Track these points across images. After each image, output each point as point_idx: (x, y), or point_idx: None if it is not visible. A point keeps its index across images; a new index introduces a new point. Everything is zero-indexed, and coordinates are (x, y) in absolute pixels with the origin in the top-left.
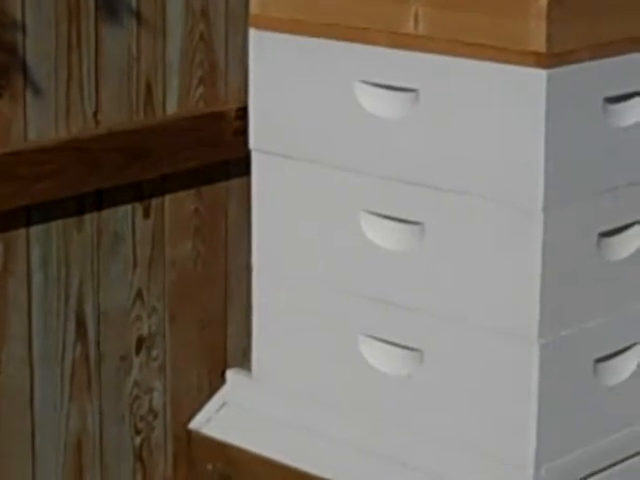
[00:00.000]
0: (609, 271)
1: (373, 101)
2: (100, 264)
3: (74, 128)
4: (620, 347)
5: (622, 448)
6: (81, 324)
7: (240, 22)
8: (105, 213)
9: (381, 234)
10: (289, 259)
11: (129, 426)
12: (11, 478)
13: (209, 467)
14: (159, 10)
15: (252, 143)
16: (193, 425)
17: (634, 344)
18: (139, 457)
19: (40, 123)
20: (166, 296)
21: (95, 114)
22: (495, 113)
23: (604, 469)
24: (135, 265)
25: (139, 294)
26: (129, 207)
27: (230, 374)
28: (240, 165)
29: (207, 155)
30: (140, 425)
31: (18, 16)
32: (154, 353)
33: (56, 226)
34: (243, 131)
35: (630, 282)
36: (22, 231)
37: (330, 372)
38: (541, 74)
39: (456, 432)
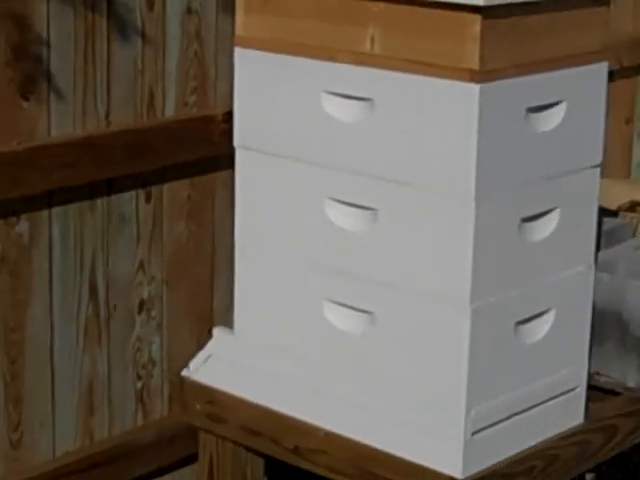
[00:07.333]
0: (529, 250)
1: (336, 108)
2: (109, 240)
3: (89, 127)
4: (537, 312)
5: (537, 395)
6: (93, 289)
7: (227, 42)
8: (114, 198)
9: (342, 217)
10: (266, 237)
11: (132, 373)
12: (35, 414)
13: (198, 407)
14: (160, 31)
15: (236, 141)
16: (185, 372)
17: (548, 309)
18: (140, 398)
19: (61, 122)
20: (164, 266)
21: (106, 116)
22: (436, 120)
23: (522, 412)
24: (138, 241)
25: (141, 265)
26: (134, 193)
27: (216, 331)
28: (226, 160)
29: (199, 151)
30: (141, 372)
31: (44, 33)
32: (153, 313)
33: (73, 208)
34: (229, 131)
35: (546, 259)
36: (45, 212)
37: (299, 330)
38: (474, 88)
39: (401, 380)
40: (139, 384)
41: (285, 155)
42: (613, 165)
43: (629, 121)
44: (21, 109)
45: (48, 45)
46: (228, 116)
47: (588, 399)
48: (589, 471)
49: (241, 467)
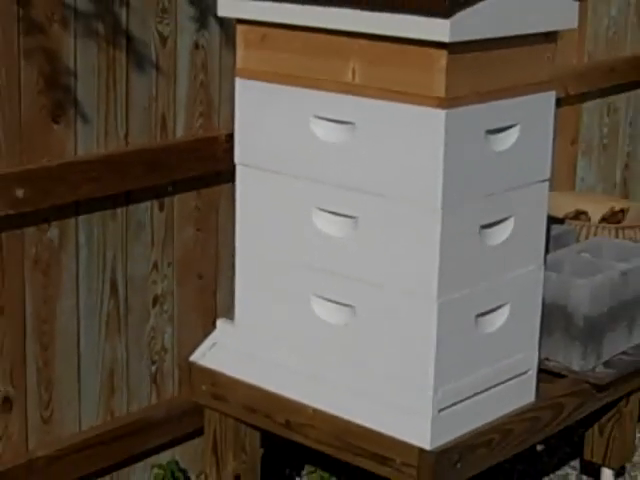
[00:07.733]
0: (487, 252)
1: (323, 130)
2: (128, 244)
3: (110, 146)
4: (494, 305)
5: (495, 377)
6: (114, 286)
7: (230, 73)
8: (132, 207)
9: (327, 225)
10: (262, 242)
11: (147, 358)
12: (64, 394)
13: (203, 388)
14: (172, 63)
15: (237, 159)
16: (193, 358)
17: (504, 303)
18: (154, 381)
19: (86, 142)
20: (174, 267)
21: (125, 137)
22: (408, 140)
23: (482, 391)
24: (153, 244)
25: (155, 265)
26: (149, 203)
27: (219, 322)
28: (228, 175)
29: (205, 167)
30: (155, 358)
31: (71, 66)
32: (165, 307)
33: (97, 216)
34: (231, 150)
35: (502, 260)
36: (72, 220)
37: (290, 322)
38: (441, 113)
39: (378, 364)
40: (153, 368)
41: (279, 171)
42: (560, 179)
43: (574, 142)
44: (52, 131)
45: (75, 76)
46: (230, 137)
47: (538, 381)
48: (539, 443)
49: (240, 440)
